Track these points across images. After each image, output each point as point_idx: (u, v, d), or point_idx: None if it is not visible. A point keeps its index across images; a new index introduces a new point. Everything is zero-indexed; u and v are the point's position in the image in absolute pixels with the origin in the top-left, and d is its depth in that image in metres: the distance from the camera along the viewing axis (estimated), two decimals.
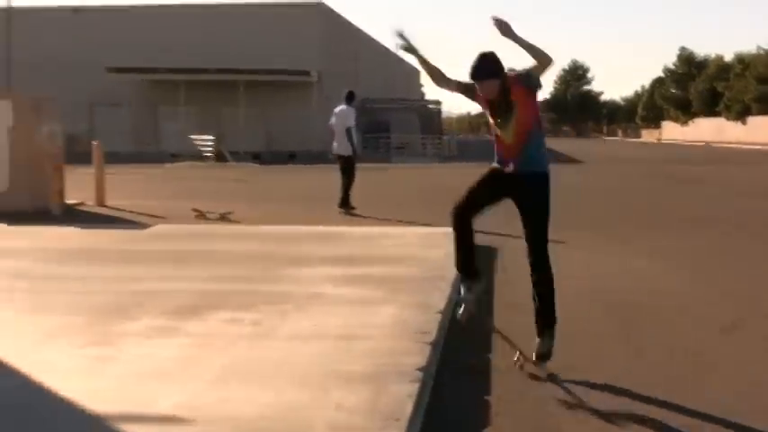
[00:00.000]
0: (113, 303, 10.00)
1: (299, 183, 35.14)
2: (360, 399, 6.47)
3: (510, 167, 8.28)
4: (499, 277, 12.80)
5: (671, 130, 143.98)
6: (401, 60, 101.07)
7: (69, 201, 22.53)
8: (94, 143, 25.21)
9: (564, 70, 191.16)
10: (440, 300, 9.85)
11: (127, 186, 29.28)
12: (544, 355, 8.15)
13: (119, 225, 18.86)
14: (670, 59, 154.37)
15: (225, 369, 7.35)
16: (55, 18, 65.43)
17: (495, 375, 7.88)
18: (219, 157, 51.93)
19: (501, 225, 16.29)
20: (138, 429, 5.91)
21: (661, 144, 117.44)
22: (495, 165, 8.46)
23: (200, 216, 20.21)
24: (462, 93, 8.74)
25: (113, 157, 28.88)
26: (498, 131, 8.39)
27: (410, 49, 8.86)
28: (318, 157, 51.00)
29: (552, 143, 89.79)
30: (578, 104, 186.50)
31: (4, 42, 57.28)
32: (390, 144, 68.80)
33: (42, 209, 20.79)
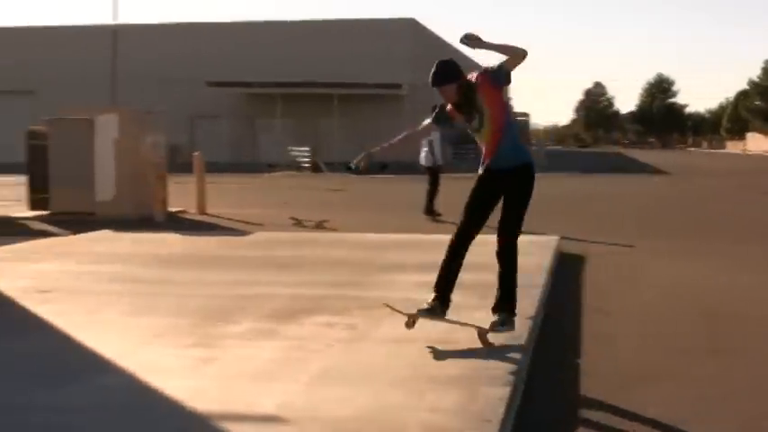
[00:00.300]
0: (215, 307, 10.08)
1: (390, 192, 35.19)
2: (452, 401, 6.44)
3: (492, 164, 8.53)
4: (588, 285, 12.70)
5: (756, 142, 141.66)
6: None
7: (172, 209, 22.78)
8: (195, 154, 25.44)
9: (649, 83, 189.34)
10: (530, 306, 9.77)
11: (226, 195, 29.52)
12: (494, 325, 8.43)
13: (219, 232, 19.02)
14: (754, 72, 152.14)
15: (322, 371, 7.36)
16: (159, 33, 66.23)
17: (584, 379, 7.82)
18: (315, 167, 52.17)
19: (590, 232, 16.20)
20: (239, 428, 5.94)
21: (746, 155, 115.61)
22: (480, 172, 8.68)
23: (298, 224, 20.31)
24: (439, 123, 8.95)
25: (212, 167, 29.14)
26: (477, 137, 8.62)
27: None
28: (409, 167, 50.99)
29: (638, 154, 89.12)
30: (664, 117, 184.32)
31: (109, 58, 58.12)
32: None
33: (146, 216, 21.07)
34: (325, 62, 61.99)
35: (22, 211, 23.14)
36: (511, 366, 7.40)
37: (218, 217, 22.59)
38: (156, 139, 22.50)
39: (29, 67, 64.41)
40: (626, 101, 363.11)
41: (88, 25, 67.31)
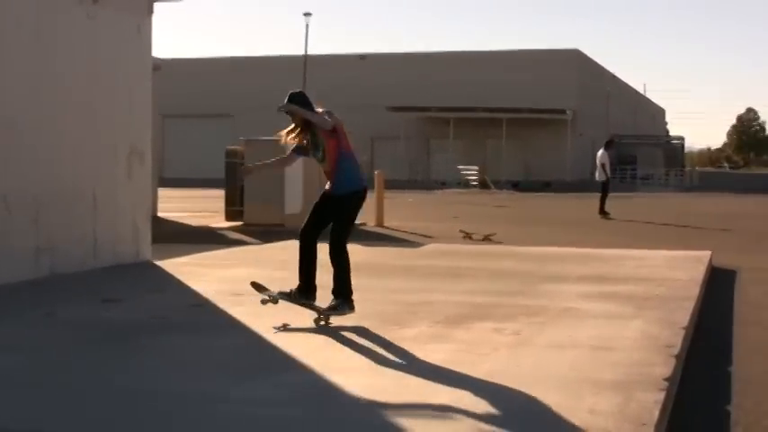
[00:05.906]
0: (392, 312, 10.14)
1: (553, 208, 34.80)
2: (610, 404, 6.34)
3: (331, 191, 9.78)
4: (739, 299, 12.39)
5: None
6: (648, 101, 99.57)
7: None
8: (377, 172, 25.69)
9: None
10: (683, 317, 9.59)
11: (402, 210, 29.66)
12: (326, 310, 9.56)
13: (396, 244, 19.15)
14: None
15: (489, 372, 7.34)
16: (344, 63, 67.22)
17: (736, 387, 7.62)
18: (483, 184, 52.16)
19: (742, 248, 15.76)
20: (414, 421, 5.95)
21: None
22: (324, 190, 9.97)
23: (467, 237, 20.30)
24: (299, 154, 10.21)
25: (390, 184, 29.23)
26: (322, 167, 9.91)
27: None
28: (572, 185, 50.65)
29: None
30: None
31: (300, 86, 59.45)
32: (636, 176, 67.64)
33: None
34: (495, 89, 61.96)
35: (219, 222, 23.72)
36: (665, 372, 7.24)
37: (394, 230, 22.74)
38: None
39: (229, 94, 66.12)
40: None
41: (281, 56, 68.65)
